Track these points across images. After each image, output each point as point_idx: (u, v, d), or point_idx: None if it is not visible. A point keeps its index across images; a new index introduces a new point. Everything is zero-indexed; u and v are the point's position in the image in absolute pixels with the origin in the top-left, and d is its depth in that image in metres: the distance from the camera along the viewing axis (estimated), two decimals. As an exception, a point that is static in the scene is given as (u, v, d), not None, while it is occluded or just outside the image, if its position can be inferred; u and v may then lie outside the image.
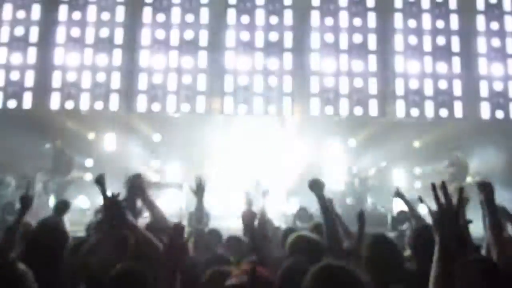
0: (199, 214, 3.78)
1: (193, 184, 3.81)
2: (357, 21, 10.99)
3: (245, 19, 10.93)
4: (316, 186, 3.09)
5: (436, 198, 1.70)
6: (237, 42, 10.85)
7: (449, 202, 1.68)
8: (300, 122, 10.49)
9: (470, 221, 2.88)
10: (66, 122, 10.24)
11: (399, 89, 10.83)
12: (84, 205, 8.99)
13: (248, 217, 3.13)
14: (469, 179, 9.01)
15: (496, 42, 11.05)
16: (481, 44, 11.06)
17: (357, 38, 10.92)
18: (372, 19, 11.04)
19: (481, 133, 10.00)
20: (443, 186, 1.70)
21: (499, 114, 10.76)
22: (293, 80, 10.76)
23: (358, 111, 10.65)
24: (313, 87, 10.77)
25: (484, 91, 10.90)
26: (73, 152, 9.59)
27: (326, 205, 3.04)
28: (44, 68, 10.65)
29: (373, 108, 10.72)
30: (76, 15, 10.85)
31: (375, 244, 2.56)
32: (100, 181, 2.72)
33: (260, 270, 1.87)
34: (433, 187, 1.71)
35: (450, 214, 1.67)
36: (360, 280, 1.57)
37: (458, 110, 10.78)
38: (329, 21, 10.96)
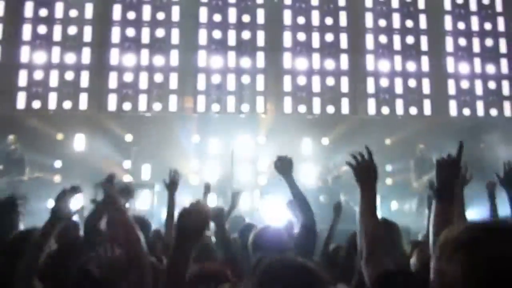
0: (170, 210, 3.72)
1: (167, 178, 3.75)
2: (329, 20, 11.10)
3: (217, 17, 10.87)
4: (283, 166, 3.10)
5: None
6: (209, 40, 10.77)
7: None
8: (273, 121, 10.51)
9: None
10: (33, 122, 9.91)
11: (370, 87, 11.00)
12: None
13: (216, 215, 3.09)
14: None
15: (462, 42, 11.37)
16: (449, 43, 11.35)
17: (329, 37, 11.03)
18: (343, 18, 11.15)
19: (449, 130, 10.24)
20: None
21: (466, 111, 11.08)
22: (265, 78, 10.77)
23: (330, 109, 10.76)
24: (286, 86, 10.81)
25: (451, 89, 11.19)
26: (40, 153, 9.30)
27: (295, 184, 3.06)
28: (9, 66, 10.31)
29: (345, 106, 10.85)
30: (43, 12, 10.54)
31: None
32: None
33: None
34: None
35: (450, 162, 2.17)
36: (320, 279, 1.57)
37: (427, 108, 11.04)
38: (301, 20, 11.03)
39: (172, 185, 3.81)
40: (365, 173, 2.21)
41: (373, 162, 2.25)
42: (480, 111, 11.09)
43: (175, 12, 10.79)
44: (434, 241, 2.01)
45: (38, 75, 10.31)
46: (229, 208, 4.64)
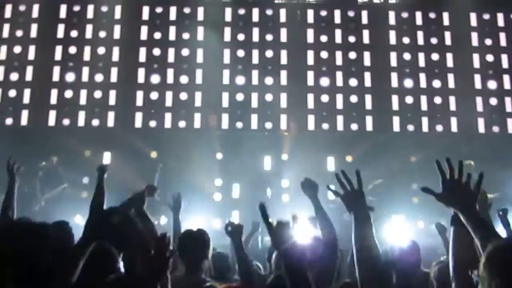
0: (175, 231, 3.78)
1: (171, 200, 3.82)
2: (352, 38, 11.15)
3: (241, 36, 11.07)
4: (308, 186, 3.13)
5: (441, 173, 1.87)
6: (233, 59, 10.94)
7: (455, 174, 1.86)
8: (296, 138, 10.50)
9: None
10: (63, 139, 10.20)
11: (395, 104, 10.91)
12: (81, 224, 8.89)
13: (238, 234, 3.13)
14: None
15: (489, 58, 11.18)
16: (476, 60, 11.18)
17: (352, 55, 11.06)
18: (366, 36, 11.18)
19: (476, 148, 9.99)
20: (448, 161, 1.88)
21: (495, 128, 10.82)
22: (288, 96, 10.83)
23: (354, 126, 10.71)
24: (309, 103, 10.84)
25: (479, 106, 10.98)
26: (70, 169, 9.53)
27: (320, 205, 3.08)
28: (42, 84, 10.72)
29: (369, 123, 10.77)
30: (74, 33, 10.98)
31: None
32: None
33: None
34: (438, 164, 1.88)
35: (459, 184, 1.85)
36: None
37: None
38: (323, 38, 11.11)
39: (175, 208, 3.89)
40: (356, 201, 2.10)
41: (361, 189, 2.13)
42: (511, 128, 10.81)
43: (200, 32, 11.04)
44: (454, 266, 1.95)
45: (68, 93, 10.67)
46: (248, 233, 4.71)
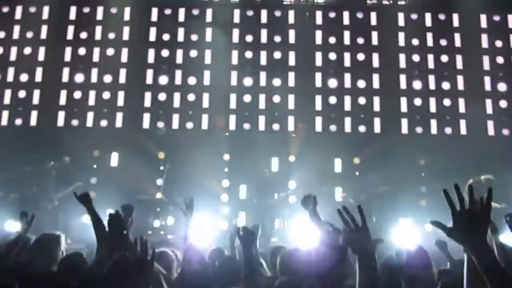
0: (187, 234, 3.77)
1: (183, 203, 3.82)
2: (360, 40, 11.10)
3: (249, 38, 11.08)
4: (307, 202, 3.12)
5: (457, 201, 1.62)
6: (241, 60, 10.95)
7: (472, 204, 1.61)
8: (303, 140, 10.47)
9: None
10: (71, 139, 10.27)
11: (403, 106, 10.84)
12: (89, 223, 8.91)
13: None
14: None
15: (500, 60, 11.07)
16: (486, 62, 11.08)
17: (361, 56, 11.01)
18: (375, 38, 11.12)
19: (486, 151, 9.87)
20: (456, 188, 1.62)
21: (505, 131, 10.71)
22: (296, 97, 10.81)
23: (362, 128, 10.66)
24: (317, 105, 10.81)
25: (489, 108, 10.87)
26: (78, 170, 9.59)
27: (318, 220, 3.06)
28: (51, 85, 10.80)
29: (377, 125, 10.72)
30: (83, 35, 11.06)
31: None
32: (84, 199, 2.71)
33: None
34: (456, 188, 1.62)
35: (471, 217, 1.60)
36: None
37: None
38: (332, 39, 11.09)
39: (188, 213, 3.88)
40: (360, 241, 1.86)
41: (366, 226, 1.88)
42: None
43: (208, 34, 11.07)
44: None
45: (77, 94, 10.75)
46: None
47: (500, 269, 1.58)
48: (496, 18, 11.25)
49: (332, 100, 10.82)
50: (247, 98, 10.80)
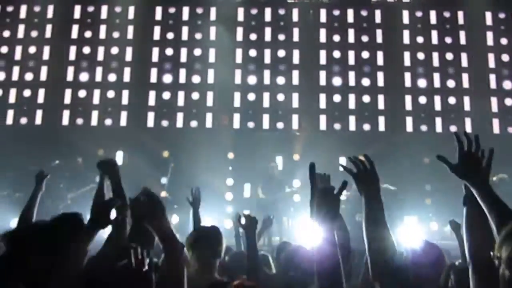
0: (196, 225, 3.77)
1: (190, 196, 3.81)
2: (365, 38, 11.06)
3: (253, 36, 11.07)
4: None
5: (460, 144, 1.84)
6: (245, 59, 10.94)
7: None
8: (308, 138, 10.46)
9: None
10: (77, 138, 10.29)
11: (408, 104, 10.80)
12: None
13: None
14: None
15: (505, 58, 11.00)
16: (491, 59, 11.02)
17: (365, 54, 10.98)
18: (379, 36, 11.08)
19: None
20: (466, 134, 1.85)
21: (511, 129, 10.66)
22: (300, 96, 10.78)
23: (366, 127, 10.63)
24: (321, 103, 10.79)
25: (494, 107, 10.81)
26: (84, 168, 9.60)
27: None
28: (55, 84, 10.83)
29: (381, 123, 10.68)
30: (87, 34, 11.08)
31: None
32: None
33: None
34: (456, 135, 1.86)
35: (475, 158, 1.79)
36: None
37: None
38: (336, 37, 11.06)
39: (195, 202, 3.88)
40: (368, 181, 2.04)
41: (375, 170, 2.07)
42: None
43: (212, 32, 11.06)
44: (469, 249, 1.86)
45: (82, 93, 10.77)
46: (259, 230, 4.68)
47: (503, 203, 1.69)
48: (502, 15, 11.18)
49: (337, 98, 10.79)
50: (251, 96, 10.79)
